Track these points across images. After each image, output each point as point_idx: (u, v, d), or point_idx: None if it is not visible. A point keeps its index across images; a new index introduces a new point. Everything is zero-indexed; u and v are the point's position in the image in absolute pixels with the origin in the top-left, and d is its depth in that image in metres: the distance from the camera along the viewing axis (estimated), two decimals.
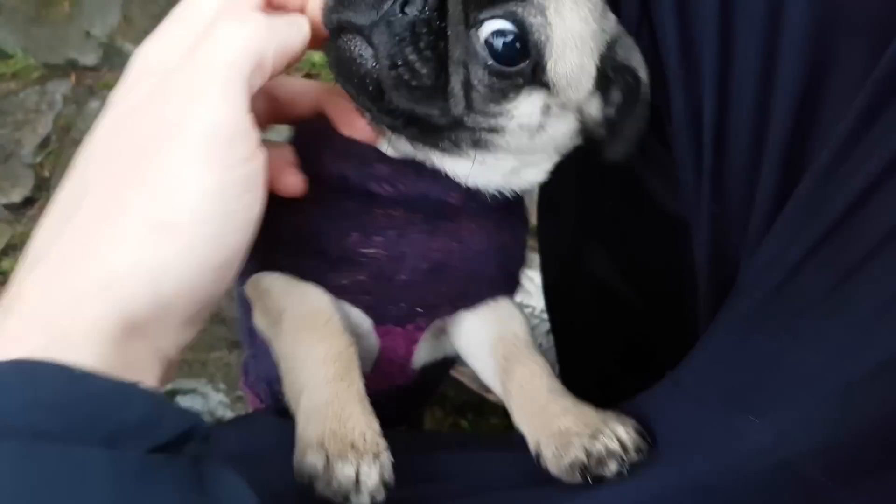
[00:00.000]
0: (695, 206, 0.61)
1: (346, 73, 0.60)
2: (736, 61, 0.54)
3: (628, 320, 0.83)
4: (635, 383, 0.67)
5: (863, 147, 0.48)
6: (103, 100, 1.58)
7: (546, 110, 0.64)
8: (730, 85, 0.55)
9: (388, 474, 0.57)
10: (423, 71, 0.57)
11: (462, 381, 1.21)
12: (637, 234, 0.76)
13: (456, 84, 0.59)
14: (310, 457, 0.57)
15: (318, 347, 0.65)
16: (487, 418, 1.25)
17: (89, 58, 1.62)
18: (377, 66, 0.58)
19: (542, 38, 0.59)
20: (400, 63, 0.57)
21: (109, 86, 1.58)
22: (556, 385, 0.68)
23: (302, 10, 0.60)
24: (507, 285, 0.78)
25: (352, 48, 0.59)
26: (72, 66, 1.62)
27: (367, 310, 0.73)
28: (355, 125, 0.65)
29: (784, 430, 0.48)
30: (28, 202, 1.44)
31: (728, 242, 0.60)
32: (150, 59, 0.55)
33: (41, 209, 1.42)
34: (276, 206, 0.59)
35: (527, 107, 0.62)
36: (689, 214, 0.64)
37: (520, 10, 0.58)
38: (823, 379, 0.49)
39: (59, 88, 1.59)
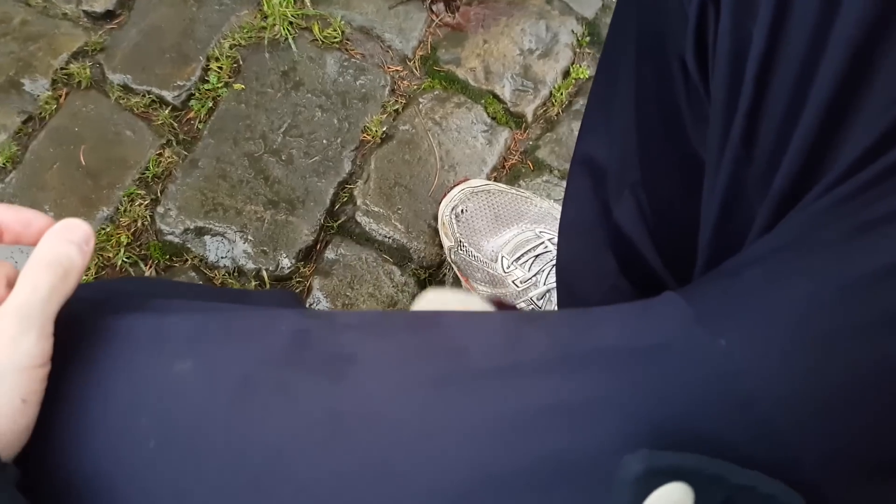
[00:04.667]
0: (718, 148, 0.54)
1: None
2: None
3: (645, 289, 0.79)
4: None
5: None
6: None
7: None
8: (786, 17, 0.47)
9: None
10: None
11: None
12: (669, 180, 0.71)
13: None
14: None
15: None
16: None
17: None
18: None
19: None
20: None
21: None
22: None
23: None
24: None
25: None
26: None
27: None
28: None
29: (745, 355, 0.40)
30: (108, 15, 1.47)
31: (744, 197, 0.54)
32: None
33: (120, 25, 1.45)
34: None
35: None
36: (708, 157, 0.56)
37: None
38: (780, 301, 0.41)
39: None
